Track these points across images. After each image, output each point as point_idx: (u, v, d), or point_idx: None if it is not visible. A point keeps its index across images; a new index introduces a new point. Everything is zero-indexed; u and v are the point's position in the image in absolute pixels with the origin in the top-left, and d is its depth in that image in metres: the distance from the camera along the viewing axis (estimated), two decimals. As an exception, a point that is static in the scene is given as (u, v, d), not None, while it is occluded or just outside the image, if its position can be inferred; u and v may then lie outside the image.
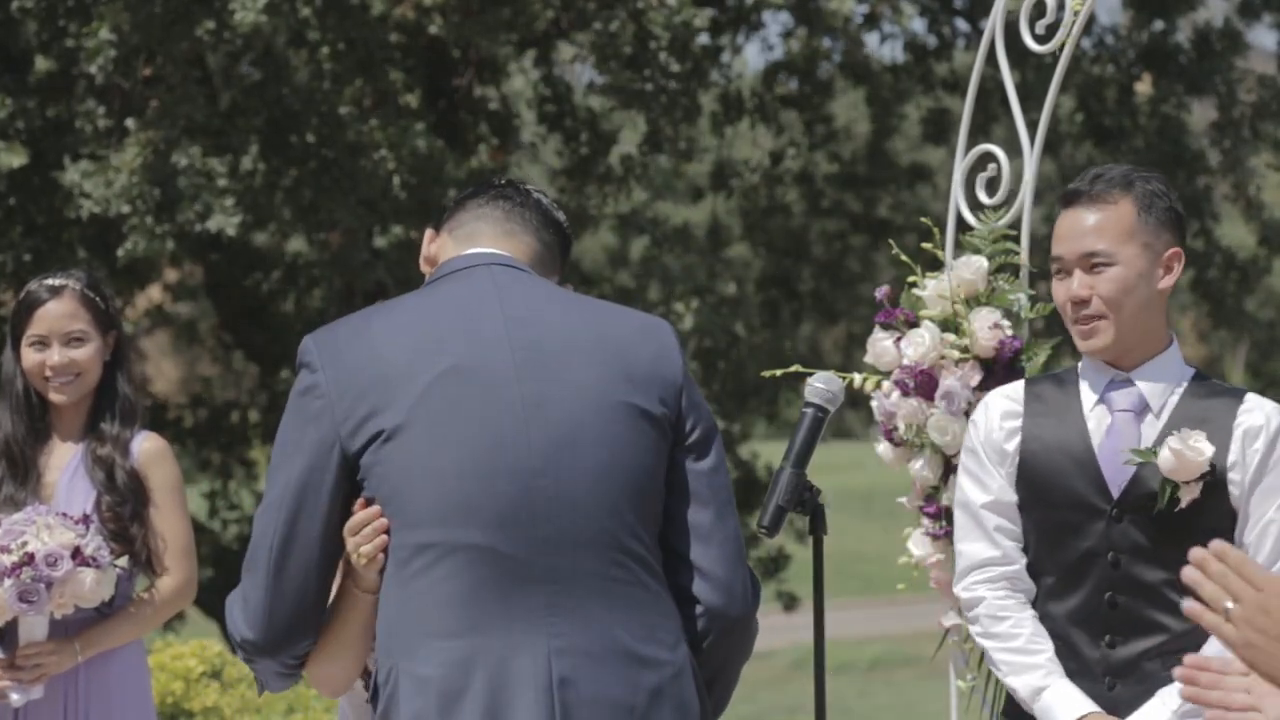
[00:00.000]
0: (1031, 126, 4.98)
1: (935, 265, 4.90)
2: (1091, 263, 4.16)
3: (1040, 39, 4.97)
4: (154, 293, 16.84)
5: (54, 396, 5.22)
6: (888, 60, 16.58)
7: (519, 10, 13.02)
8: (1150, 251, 4.17)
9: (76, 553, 5.00)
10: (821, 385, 4.08)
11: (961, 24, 16.10)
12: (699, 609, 3.44)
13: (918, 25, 16.03)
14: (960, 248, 4.95)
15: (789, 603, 17.34)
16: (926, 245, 4.91)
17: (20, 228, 13.01)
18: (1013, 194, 4.95)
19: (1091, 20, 9.40)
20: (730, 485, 3.54)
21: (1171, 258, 4.20)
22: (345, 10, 12.83)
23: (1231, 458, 4.11)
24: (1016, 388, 4.33)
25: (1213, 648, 4.00)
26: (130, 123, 12.37)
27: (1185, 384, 4.20)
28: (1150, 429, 4.16)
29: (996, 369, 4.66)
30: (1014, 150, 5.07)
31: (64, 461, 5.24)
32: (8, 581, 4.96)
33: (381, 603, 3.38)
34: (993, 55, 5.11)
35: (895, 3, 15.10)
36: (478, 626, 3.28)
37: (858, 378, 4.78)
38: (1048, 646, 4.17)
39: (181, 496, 5.32)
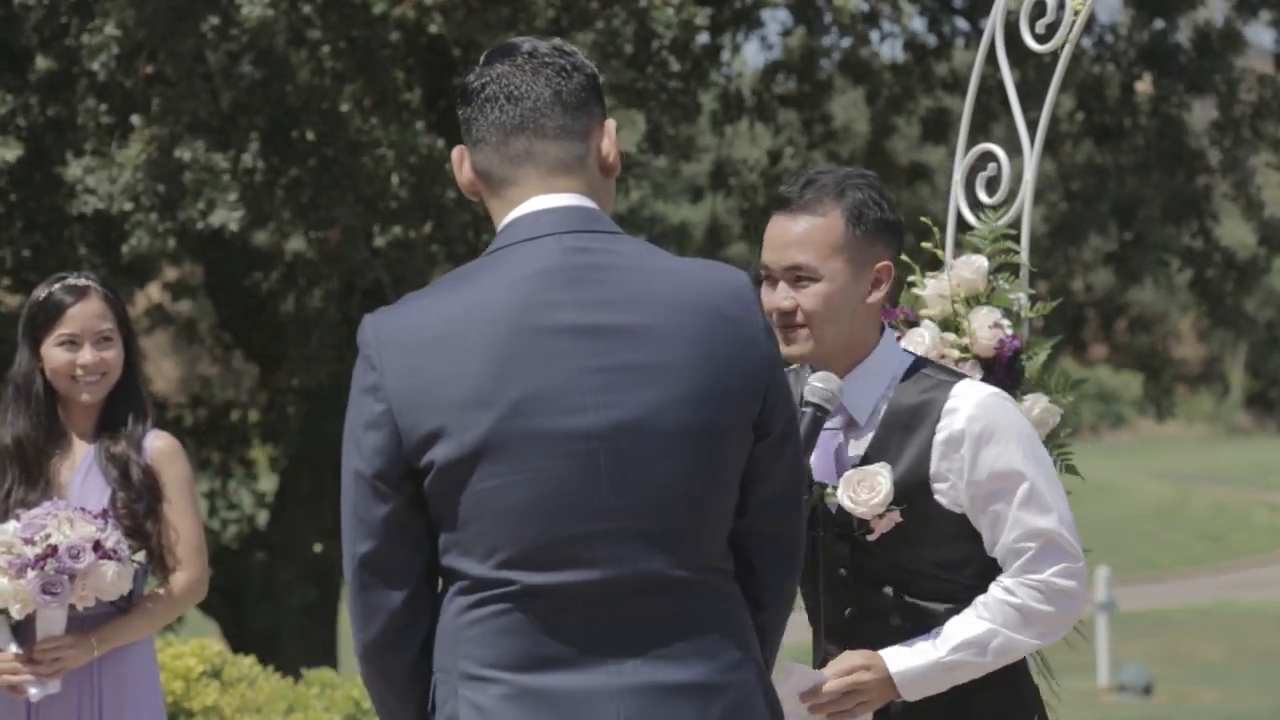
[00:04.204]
0: (1031, 126, 4.98)
1: (935, 265, 4.90)
2: (796, 275, 4.06)
3: (1040, 38, 4.97)
4: (153, 292, 16.84)
5: (84, 396, 5.26)
6: (887, 59, 16.58)
7: (519, 9, 13.03)
8: (857, 265, 4.06)
9: (97, 545, 5.04)
10: (820, 384, 4.07)
11: (961, 23, 16.10)
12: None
13: (918, 24, 16.04)
14: (960, 247, 4.95)
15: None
16: (926, 244, 4.91)
17: (20, 224, 13.01)
18: (1013, 193, 4.95)
19: (1091, 19, 9.41)
20: (803, 467, 3.40)
21: (881, 271, 4.09)
22: (346, 9, 12.83)
23: (934, 468, 4.02)
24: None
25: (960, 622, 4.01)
26: (135, 119, 12.37)
27: (896, 384, 4.09)
28: (859, 444, 4.09)
29: (996, 368, 4.66)
30: (1014, 149, 5.07)
31: (77, 461, 5.29)
32: (31, 573, 4.99)
33: (440, 621, 3.25)
34: (993, 54, 5.11)
35: (895, 1, 15.10)
36: (541, 665, 3.17)
37: (857, 377, 4.77)
38: None
39: (193, 494, 5.37)
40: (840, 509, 4.05)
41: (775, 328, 4.06)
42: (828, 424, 4.11)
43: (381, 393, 3.20)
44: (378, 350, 3.22)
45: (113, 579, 5.08)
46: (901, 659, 4.02)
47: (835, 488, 4.05)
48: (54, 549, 4.99)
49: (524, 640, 3.17)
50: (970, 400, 4.04)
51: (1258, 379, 56.71)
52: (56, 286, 5.30)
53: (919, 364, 4.15)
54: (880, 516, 4.03)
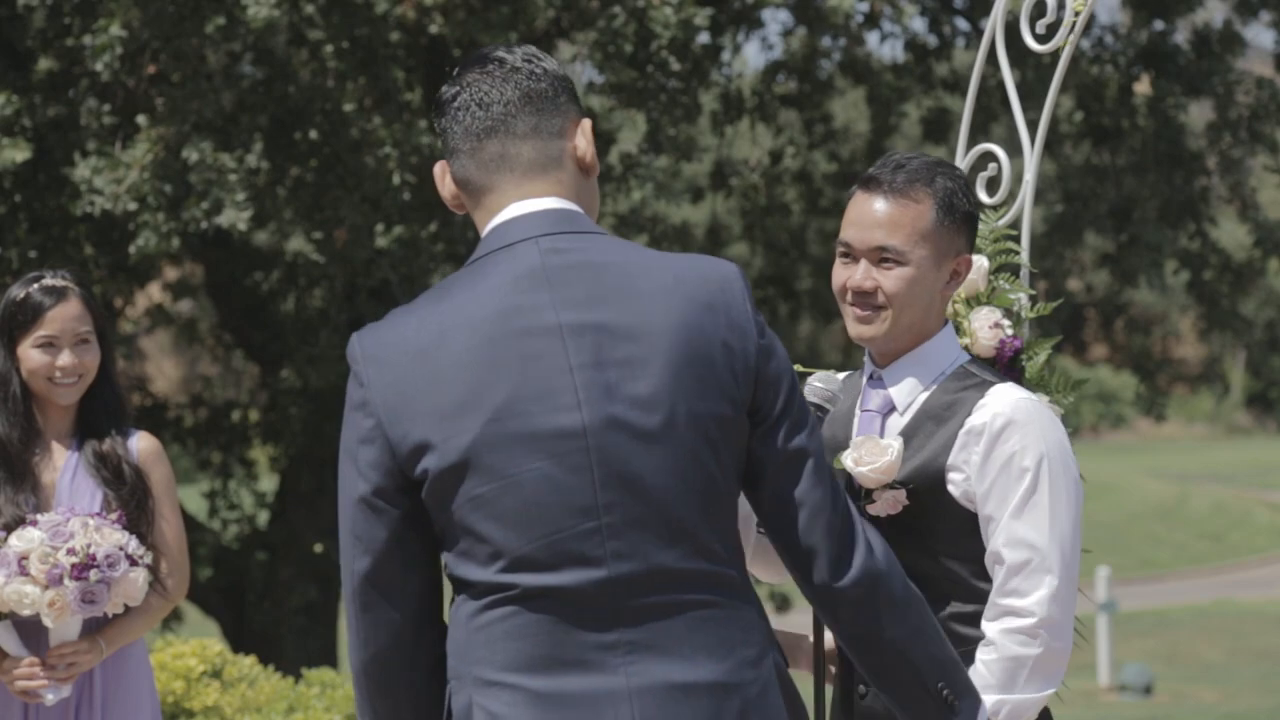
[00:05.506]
0: (1031, 126, 4.98)
1: (935, 264, 4.90)
2: (881, 256, 4.05)
3: (1040, 39, 4.97)
4: (154, 292, 16.85)
5: (61, 398, 5.23)
6: (888, 60, 16.60)
7: (519, 9, 13.03)
8: (940, 254, 4.07)
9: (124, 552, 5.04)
10: (820, 385, 4.07)
11: (962, 23, 16.11)
12: (812, 585, 3.31)
13: (918, 24, 16.06)
14: (960, 247, 4.95)
15: (781, 603, 17.40)
16: (927, 245, 4.91)
17: (26, 224, 13.03)
18: (1013, 194, 4.96)
19: (1091, 20, 9.42)
20: (824, 452, 3.33)
21: (960, 264, 4.11)
22: (348, 9, 12.85)
23: (952, 459, 4.00)
24: (834, 381, 4.22)
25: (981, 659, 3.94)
26: (141, 119, 12.39)
27: (943, 378, 4.09)
28: (894, 427, 4.08)
29: (997, 368, 4.67)
30: (1014, 149, 5.07)
31: (60, 463, 5.25)
32: (70, 583, 4.97)
33: (451, 627, 3.26)
34: (993, 54, 5.12)
35: (895, 2, 15.11)
36: (552, 667, 3.15)
37: (858, 377, 4.78)
38: None
39: (176, 493, 5.37)
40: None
41: (848, 305, 4.08)
42: (866, 406, 4.12)
43: (370, 407, 3.21)
44: (364, 365, 3.23)
45: (141, 586, 5.08)
46: None
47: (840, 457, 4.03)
48: (93, 558, 4.98)
49: (534, 643, 3.16)
50: (1003, 399, 4.03)
51: (1258, 379, 56.69)
52: (34, 287, 5.25)
53: (970, 363, 4.15)
54: (885, 489, 4.00)
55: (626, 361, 3.18)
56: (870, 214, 4.07)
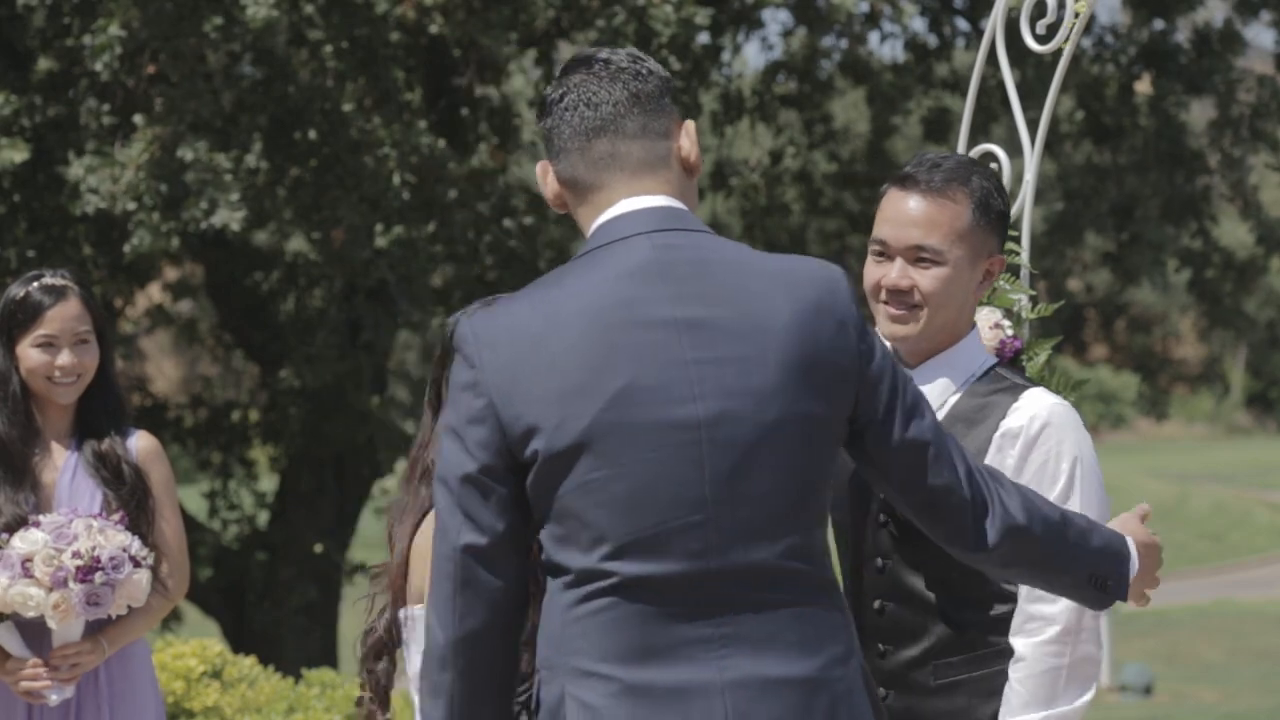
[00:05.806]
0: (1032, 126, 4.97)
1: (936, 264, 4.89)
2: (918, 255, 4.03)
3: (1041, 39, 4.97)
4: (154, 292, 16.85)
5: (60, 397, 5.22)
6: (888, 60, 16.60)
7: (520, 9, 13.03)
8: (974, 254, 4.05)
9: (128, 554, 5.04)
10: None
11: (962, 23, 16.11)
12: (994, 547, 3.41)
13: (918, 24, 16.06)
14: (961, 247, 4.94)
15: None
16: (927, 244, 4.90)
17: (24, 224, 13.03)
18: (1013, 194, 4.95)
19: (1091, 19, 9.41)
20: (940, 431, 3.39)
21: (993, 264, 4.09)
22: (348, 9, 12.85)
23: (988, 461, 3.98)
24: None
25: (1020, 671, 3.94)
26: (138, 118, 12.39)
27: (973, 380, 4.08)
28: None
29: (997, 368, 4.66)
30: (1014, 149, 5.07)
31: (59, 463, 5.23)
32: (75, 585, 4.96)
33: (544, 616, 3.28)
34: (993, 54, 5.11)
35: (896, 2, 15.11)
36: (647, 658, 3.19)
37: (858, 377, 4.76)
38: None
39: (176, 493, 5.36)
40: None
41: (882, 304, 4.08)
42: None
43: (481, 387, 3.23)
44: (476, 348, 3.26)
45: (145, 588, 5.08)
46: None
47: None
48: (98, 560, 4.97)
49: (632, 633, 3.19)
50: (1038, 403, 4.02)
51: (1258, 379, 56.72)
52: (34, 286, 5.23)
53: (999, 366, 4.14)
54: None
55: (740, 359, 3.22)
56: (907, 212, 4.05)
